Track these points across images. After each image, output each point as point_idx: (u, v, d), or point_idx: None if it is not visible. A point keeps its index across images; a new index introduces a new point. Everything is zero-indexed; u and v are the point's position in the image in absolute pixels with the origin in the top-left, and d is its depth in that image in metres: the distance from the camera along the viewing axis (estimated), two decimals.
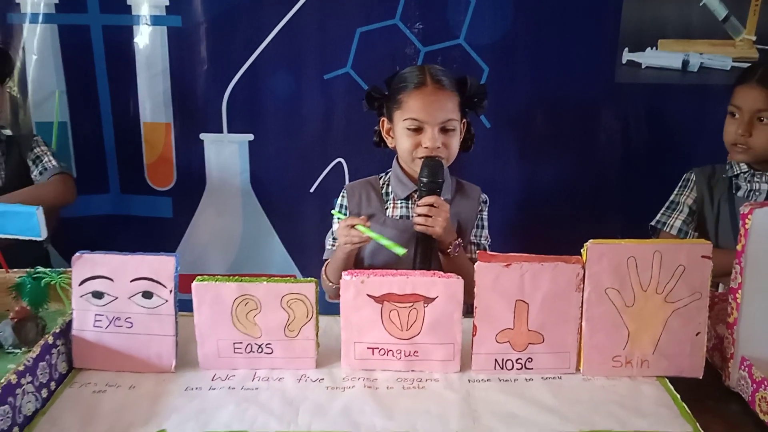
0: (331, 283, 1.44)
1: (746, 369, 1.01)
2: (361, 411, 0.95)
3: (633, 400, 0.99)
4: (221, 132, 1.88)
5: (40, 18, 1.80)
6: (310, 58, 1.81)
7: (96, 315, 1.05)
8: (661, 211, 1.65)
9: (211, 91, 1.84)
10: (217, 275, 1.06)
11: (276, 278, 1.03)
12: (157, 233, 1.95)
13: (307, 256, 1.94)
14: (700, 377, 1.05)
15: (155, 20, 1.80)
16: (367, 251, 1.45)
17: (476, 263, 1.02)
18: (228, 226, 1.96)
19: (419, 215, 1.30)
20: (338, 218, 1.49)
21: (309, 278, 1.03)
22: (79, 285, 1.05)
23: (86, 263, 1.04)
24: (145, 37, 1.82)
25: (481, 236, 1.49)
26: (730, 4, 1.74)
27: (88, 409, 0.95)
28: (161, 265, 1.03)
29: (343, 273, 1.03)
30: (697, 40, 1.78)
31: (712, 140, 1.63)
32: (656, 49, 1.78)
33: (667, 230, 1.61)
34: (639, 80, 1.80)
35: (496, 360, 1.05)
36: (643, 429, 0.91)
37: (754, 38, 1.76)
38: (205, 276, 1.04)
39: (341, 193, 1.54)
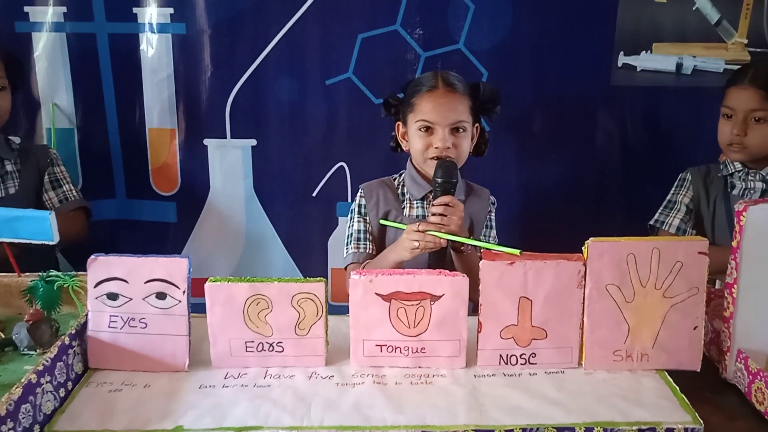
0: None
1: (742, 361, 1.04)
2: (371, 406, 0.98)
3: (634, 392, 1.02)
4: (225, 137, 1.90)
5: (49, 27, 1.83)
6: (312, 64, 1.84)
7: (111, 316, 1.07)
8: (659, 211, 1.68)
9: (215, 97, 1.87)
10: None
11: (286, 278, 1.06)
12: (162, 238, 1.97)
13: (310, 260, 1.98)
14: (698, 370, 1.08)
15: (160, 28, 1.83)
16: (389, 243, 1.49)
17: (481, 261, 1.05)
18: (231, 231, 1.98)
19: (434, 214, 1.33)
20: (357, 220, 1.52)
21: (318, 278, 1.06)
22: (94, 287, 1.07)
23: (101, 265, 1.07)
24: (150, 45, 1.84)
25: (489, 236, 1.55)
26: (722, 9, 1.78)
27: (106, 407, 0.98)
28: (175, 267, 1.06)
29: (351, 273, 1.06)
30: (690, 43, 1.81)
31: (707, 140, 1.67)
32: (651, 52, 1.82)
33: (666, 229, 1.64)
34: (634, 83, 1.83)
35: (500, 355, 1.08)
36: (645, 419, 0.94)
37: (745, 41, 1.80)
38: (218, 277, 1.07)
39: (359, 193, 1.57)
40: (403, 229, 1.34)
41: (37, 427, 0.91)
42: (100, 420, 0.94)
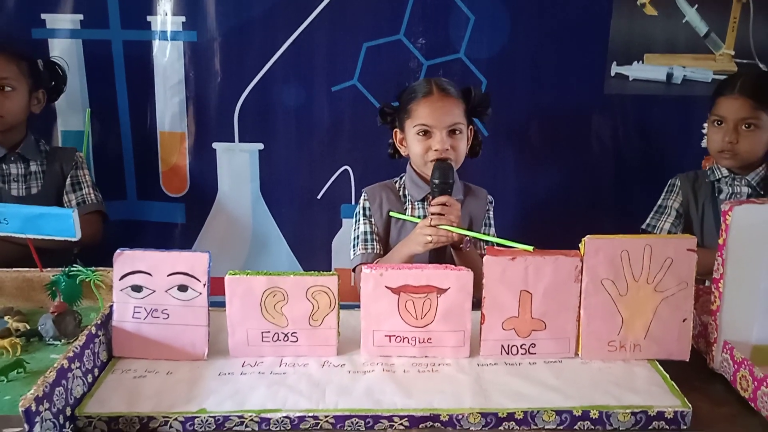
0: None
1: (728, 352, 1.11)
2: (382, 391, 1.04)
3: (627, 380, 1.08)
4: (233, 141, 1.95)
5: (66, 33, 1.89)
6: (319, 71, 1.90)
7: (135, 307, 1.13)
8: (651, 216, 1.74)
9: (224, 103, 1.93)
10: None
11: (302, 272, 1.13)
12: (171, 238, 2.02)
13: (314, 261, 2.03)
14: (687, 360, 1.14)
15: (172, 35, 1.89)
16: (393, 243, 1.56)
17: (484, 257, 1.12)
18: (238, 232, 2.03)
19: (433, 214, 1.40)
20: (363, 222, 1.58)
21: (332, 271, 1.13)
22: (120, 279, 1.13)
23: (127, 259, 1.13)
24: (162, 52, 1.90)
25: (489, 234, 1.61)
26: (711, 22, 1.86)
27: (132, 391, 1.03)
28: (196, 261, 1.12)
29: (363, 267, 1.13)
30: (680, 54, 1.89)
31: (695, 147, 1.75)
32: (642, 62, 1.89)
33: (657, 233, 1.70)
34: (627, 92, 1.91)
35: (502, 346, 1.14)
36: (637, 404, 1.00)
37: (732, 53, 1.88)
38: (237, 270, 1.13)
39: (362, 197, 1.63)
40: (415, 222, 1.41)
41: (68, 410, 0.96)
42: (128, 403, 1.00)
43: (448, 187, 1.43)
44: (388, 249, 1.57)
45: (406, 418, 0.98)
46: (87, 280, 1.28)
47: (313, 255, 2.04)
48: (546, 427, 0.99)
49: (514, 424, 0.99)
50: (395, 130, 1.61)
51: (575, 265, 1.12)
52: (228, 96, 1.92)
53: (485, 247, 1.53)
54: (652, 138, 1.95)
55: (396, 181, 1.66)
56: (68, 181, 1.80)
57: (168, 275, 1.12)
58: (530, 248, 1.12)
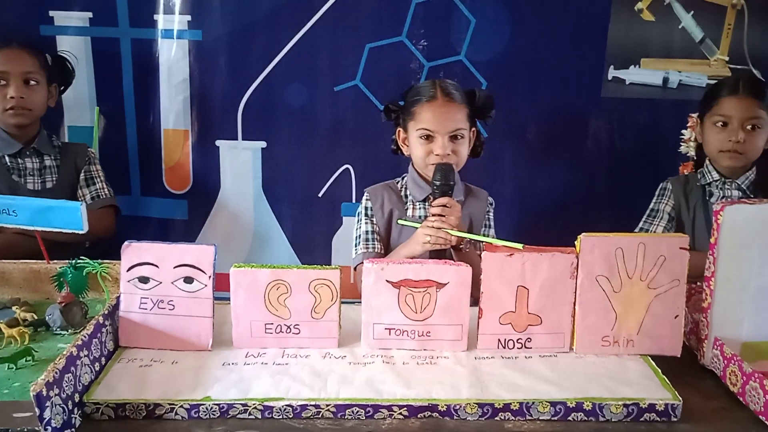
0: None
1: (718, 347, 1.14)
2: (382, 381, 1.07)
3: (620, 373, 1.11)
4: (236, 139, 1.98)
5: (75, 30, 1.92)
6: (322, 71, 1.92)
7: (141, 298, 1.16)
8: (643, 219, 1.76)
9: (228, 101, 1.95)
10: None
11: (305, 266, 1.16)
12: (173, 234, 2.04)
13: (315, 258, 2.05)
14: (679, 355, 1.18)
15: (178, 34, 1.92)
16: (394, 243, 1.58)
17: (483, 253, 1.15)
18: (240, 228, 2.06)
19: (434, 215, 1.42)
20: (365, 222, 1.60)
21: (334, 265, 1.16)
22: (127, 271, 1.16)
23: (134, 251, 1.16)
24: (168, 50, 1.93)
25: (489, 235, 1.64)
26: (706, 28, 1.90)
27: (139, 379, 1.06)
28: (202, 254, 1.15)
29: (365, 261, 1.16)
30: (676, 59, 1.93)
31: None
32: (639, 67, 1.93)
33: None
34: (623, 95, 1.94)
35: (499, 340, 1.18)
36: (630, 396, 1.04)
37: (726, 58, 1.92)
38: (242, 263, 1.16)
39: (364, 196, 1.65)
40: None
41: (77, 396, 0.99)
42: (135, 390, 1.03)
43: (448, 189, 1.45)
44: (389, 249, 1.59)
45: (405, 408, 1.01)
46: (93, 272, 1.30)
47: (313, 252, 2.06)
48: (541, 417, 1.02)
49: (509, 414, 1.02)
50: (399, 129, 1.64)
51: (571, 262, 1.15)
52: (232, 94, 1.95)
53: (483, 245, 1.56)
54: (648, 140, 1.98)
55: (398, 182, 1.68)
56: (82, 176, 1.83)
57: (174, 267, 1.15)
58: (520, 246, 1.15)
